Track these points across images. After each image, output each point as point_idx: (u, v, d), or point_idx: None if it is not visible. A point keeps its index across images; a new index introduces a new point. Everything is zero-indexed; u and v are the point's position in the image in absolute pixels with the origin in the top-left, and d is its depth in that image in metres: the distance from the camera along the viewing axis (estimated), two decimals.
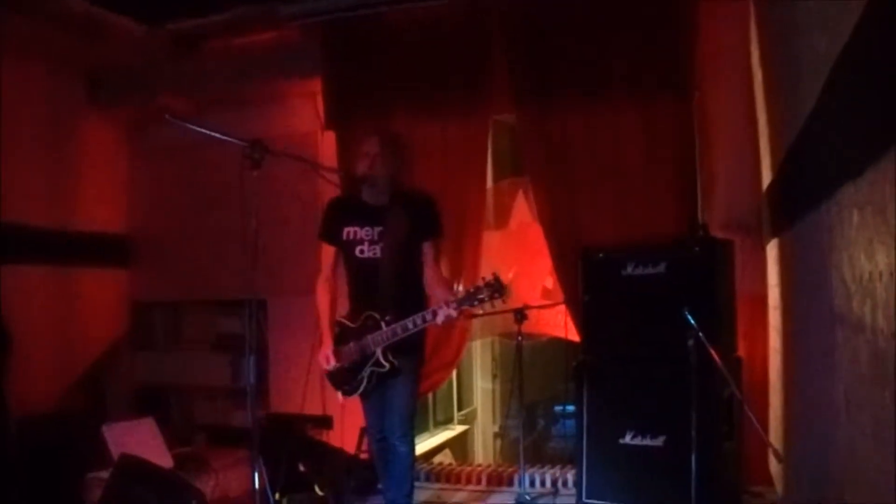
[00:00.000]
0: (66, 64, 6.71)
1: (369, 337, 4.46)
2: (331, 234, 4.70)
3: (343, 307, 4.76)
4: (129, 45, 6.41)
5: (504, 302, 4.41)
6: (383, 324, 4.43)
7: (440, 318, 4.33)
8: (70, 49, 6.38)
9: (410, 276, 4.58)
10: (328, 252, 4.72)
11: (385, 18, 5.99)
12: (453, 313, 4.34)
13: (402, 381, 4.52)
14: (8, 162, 6.00)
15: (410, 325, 4.38)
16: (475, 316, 5.77)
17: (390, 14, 5.95)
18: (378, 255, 4.52)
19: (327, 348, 4.60)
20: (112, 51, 6.45)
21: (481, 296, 4.29)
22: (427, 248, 4.58)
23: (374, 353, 4.46)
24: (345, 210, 4.71)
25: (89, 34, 6.17)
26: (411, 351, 4.56)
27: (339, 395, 4.69)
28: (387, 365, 4.45)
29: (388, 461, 4.64)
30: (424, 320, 4.39)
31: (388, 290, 4.47)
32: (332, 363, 4.56)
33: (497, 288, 4.28)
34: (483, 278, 4.37)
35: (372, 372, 4.49)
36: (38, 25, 5.89)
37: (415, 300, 4.57)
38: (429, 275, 4.62)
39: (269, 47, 6.51)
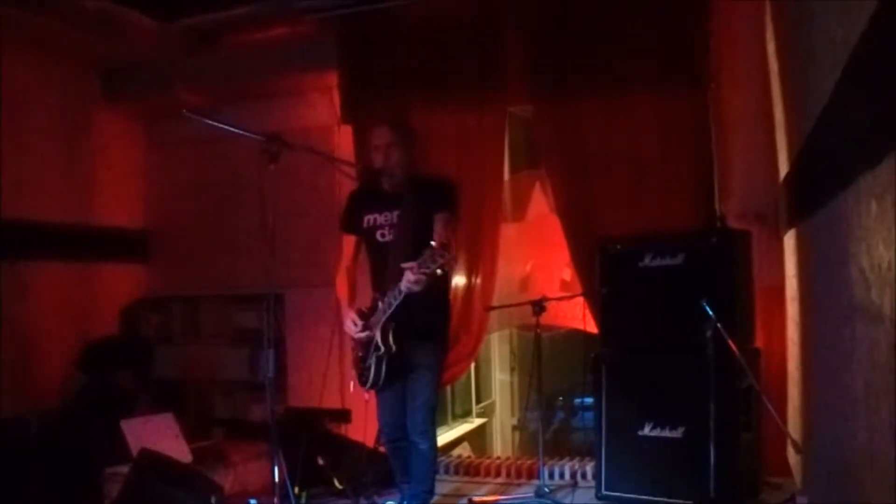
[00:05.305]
0: (81, 59, 6.74)
1: (371, 320, 4.44)
2: (352, 224, 4.72)
3: (364, 297, 4.73)
4: (143, 40, 6.43)
5: (448, 264, 3.99)
6: (379, 304, 4.39)
7: (404, 286, 4.10)
8: (84, 45, 6.40)
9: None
10: (349, 242, 4.74)
11: (400, 11, 5.99)
12: (411, 276, 4.01)
13: (421, 375, 4.50)
14: (24, 158, 6.04)
15: (393, 300, 4.24)
16: (493, 308, 5.78)
17: (405, 6, 5.96)
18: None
19: (351, 313, 4.51)
20: (126, 46, 6.47)
21: (436, 259, 3.88)
22: (436, 220, 4.40)
23: (373, 337, 4.39)
24: (365, 199, 4.74)
25: (103, 30, 6.18)
26: (432, 342, 4.55)
27: (351, 384, 4.67)
28: (382, 347, 4.34)
29: (408, 459, 4.64)
30: (400, 292, 4.17)
31: (397, 271, 4.35)
32: (360, 324, 4.46)
33: (442, 252, 3.89)
34: (431, 242, 3.97)
35: (378, 359, 4.42)
36: (52, 21, 5.90)
37: None
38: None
39: (284, 41, 6.51)
